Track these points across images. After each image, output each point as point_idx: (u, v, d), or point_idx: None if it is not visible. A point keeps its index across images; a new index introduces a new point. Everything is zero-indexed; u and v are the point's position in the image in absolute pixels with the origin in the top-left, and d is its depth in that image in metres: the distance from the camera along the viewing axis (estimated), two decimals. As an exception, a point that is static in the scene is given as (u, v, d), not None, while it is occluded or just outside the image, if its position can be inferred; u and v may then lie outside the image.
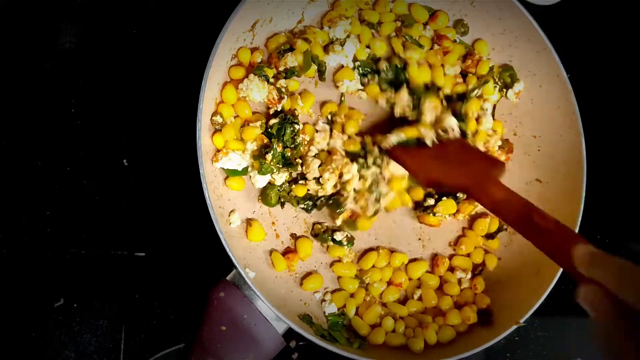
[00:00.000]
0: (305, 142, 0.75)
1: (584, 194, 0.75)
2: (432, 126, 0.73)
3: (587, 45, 0.91)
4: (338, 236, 0.75)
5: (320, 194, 0.74)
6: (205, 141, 0.70)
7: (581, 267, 0.48)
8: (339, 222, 0.75)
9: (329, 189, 0.73)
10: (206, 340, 0.66)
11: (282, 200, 0.75)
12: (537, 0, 0.87)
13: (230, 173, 0.72)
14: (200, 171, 0.65)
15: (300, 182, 0.74)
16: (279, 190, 0.74)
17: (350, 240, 0.75)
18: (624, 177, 0.91)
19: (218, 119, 0.71)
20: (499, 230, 0.80)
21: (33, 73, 0.79)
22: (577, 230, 0.74)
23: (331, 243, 0.75)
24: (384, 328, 0.74)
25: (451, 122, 0.74)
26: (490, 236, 0.81)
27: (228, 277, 0.68)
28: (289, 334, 0.69)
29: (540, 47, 0.77)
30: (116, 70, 0.80)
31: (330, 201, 0.75)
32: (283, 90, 0.74)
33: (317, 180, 0.73)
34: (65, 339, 0.74)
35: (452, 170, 0.69)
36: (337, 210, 0.74)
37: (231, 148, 0.71)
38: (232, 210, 0.72)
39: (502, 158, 0.81)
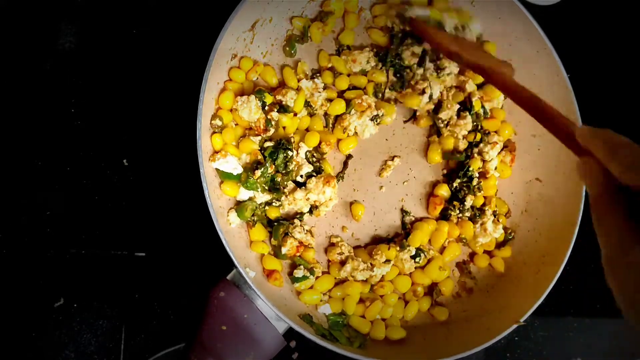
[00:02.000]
0: (296, 169, 0.75)
1: (583, 194, 0.75)
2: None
3: (587, 45, 0.91)
4: (298, 273, 0.72)
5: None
6: (205, 141, 0.70)
7: (580, 139, 0.50)
8: (284, 250, 0.73)
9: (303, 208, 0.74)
10: (206, 340, 0.66)
11: (254, 218, 0.73)
12: (537, 0, 0.87)
13: (225, 176, 0.71)
14: (201, 171, 0.65)
15: (275, 204, 0.74)
16: (256, 207, 0.73)
17: (311, 271, 0.73)
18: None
19: (217, 122, 0.71)
20: (507, 240, 0.81)
21: (33, 73, 0.79)
22: (576, 231, 0.74)
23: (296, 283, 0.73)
24: (381, 314, 0.74)
25: (474, 26, 0.75)
26: (501, 245, 0.81)
27: (228, 277, 0.68)
28: (290, 333, 0.69)
29: (540, 47, 0.78)
30: (116, 70, 0.80)
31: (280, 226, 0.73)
32: (272, 122, 0.73)
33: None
34: (65, 339, 0.74)
35: (469, 50, 0.70)
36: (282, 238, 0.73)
37: (229, 152, 0.71)
38: (232, 210, 0.72)
39: (508, 159, 0.81)
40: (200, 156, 0.65)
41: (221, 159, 0.70)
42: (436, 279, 0.78)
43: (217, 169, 0.71)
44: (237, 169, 0.71)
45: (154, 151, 0.79)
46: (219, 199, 0.71)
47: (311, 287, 0.73)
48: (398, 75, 0.78)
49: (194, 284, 0.75)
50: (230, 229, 0.71)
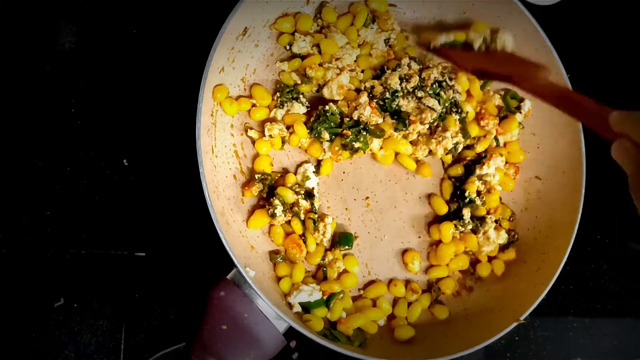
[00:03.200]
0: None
1: (583, 192, 0.75)
2: (480, 33, 0.74)
3: (587, 45, 0.91)
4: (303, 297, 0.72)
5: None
6: (205, 140, 0.70)
7: (614, 125, 0.53)
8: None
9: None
10: (207, 340, 0.66)
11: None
12: (537, 0, 0.87)
13: (310, 306, 0.71)
14: (200, 171, 0.65)
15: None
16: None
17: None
18: (624, 177, 0.91)
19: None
20: (510, 242, 0.80)
21: (33, 73, 0.79)
22: (576, 230, 0.74)
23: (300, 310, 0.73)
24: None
25: (505, 36, 0.74)
26: (505, 247, 0.81)
27: (228, 276, 0.68)
28: (290, 333, 0.68)
29: (539, 45, 0.78)
30: (116, 70, 0.80)
31: None
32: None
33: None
34: (65, 339, 0.74)
35: (497, 62, 0.71)
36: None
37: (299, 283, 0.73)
38: (232, 209, 0.72)
39: (512, 172, 0.82)
40: (200, 156, 0.66)
41: (294, 292, 0.70)
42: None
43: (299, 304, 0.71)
44: (315, 295, 0.71)
45: (154, 151, 0.79)
46: (219, 199, 0.71)
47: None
48: (395, 117, 0.77)
49: (194, 284, 0.74)
50: (230, 229, 0.71)
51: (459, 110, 0.77)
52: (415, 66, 0.79)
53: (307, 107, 0.78)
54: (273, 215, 0.72)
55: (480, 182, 0.79)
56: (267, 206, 0.73)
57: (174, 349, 0.74)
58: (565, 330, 0.85)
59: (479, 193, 0.79)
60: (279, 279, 0.73)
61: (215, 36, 0.67)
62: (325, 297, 0.72)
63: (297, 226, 0.74)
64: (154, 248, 0.77)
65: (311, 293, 0.70)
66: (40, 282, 0.75)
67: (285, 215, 0.73)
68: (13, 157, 0.77)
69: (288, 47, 0.79)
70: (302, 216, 0.74)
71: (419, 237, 0.80)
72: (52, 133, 0.78)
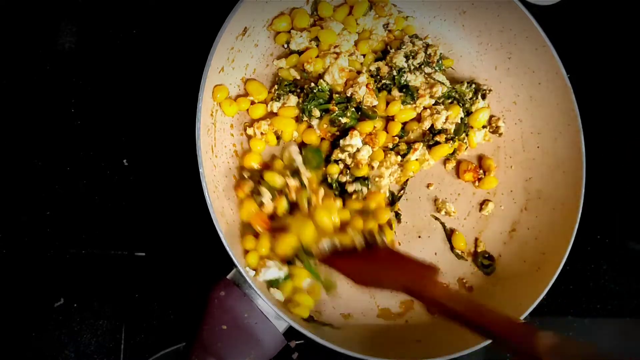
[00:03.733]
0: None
1: (583, 192, 0.75)
2: (359, 231, 0.72)
3: (587, 45, 0.92)
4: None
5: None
6: (204, 140, 0.70)
7: (545, 356, 0.48)
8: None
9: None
10: (207, 339, 0.66)
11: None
12: (537, 0, 0.87)
13: (273, 284, 0.70)
14: (200, 171, 0.65)
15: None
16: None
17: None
18: (624, 177, 0.91)
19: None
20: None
21: (33, 73, 0.79)
22: (576, 230, 0.74)
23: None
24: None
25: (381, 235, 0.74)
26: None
27: (228, 276, 0.68)
28: (290, 333, 0.68)
29: (539, 44, 0.78)
30: (116, 70, 0.80)
31: None
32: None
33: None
34: (65, 339, 0.74)
35: (388, 272, 0.68)
36: None
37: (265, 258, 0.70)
38: (232, 209, 0.72)
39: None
40: (200, 156, 0.65)
41: (263, 269, 0.69)
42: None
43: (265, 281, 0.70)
44: (282, 273, 0.70)
45: (154, 151, 0.79)
46: (219, 199, 0.71)
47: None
48: (404, 90, 0.77)
49: (194, 284, 0.74)
50: (230, 229, 0.71)
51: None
52: (419, 43, 0.79)
53: None
54: (261, 204, 0.71)
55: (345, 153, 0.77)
56: (254, 195, 0.71)
57: (174, 349, 0.74)
58: (565, 330, 0.85)
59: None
60: (245, 252, 0.71)
61: (215, 36, 0.67)
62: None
63: (281, 206, 0.72)
64: (154, 248, 0.77)
65: (280, 268, 0.70)
66: (40, 282, 0.75)
67: (274, 202, 0.71)
68: (13, 157, 0.77)
69: (286, 46, 0.79)
70: (294, 196, 0.72)
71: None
72: (52, 133, 0.78)
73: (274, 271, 0.69)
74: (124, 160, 0.79)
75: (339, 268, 0.69)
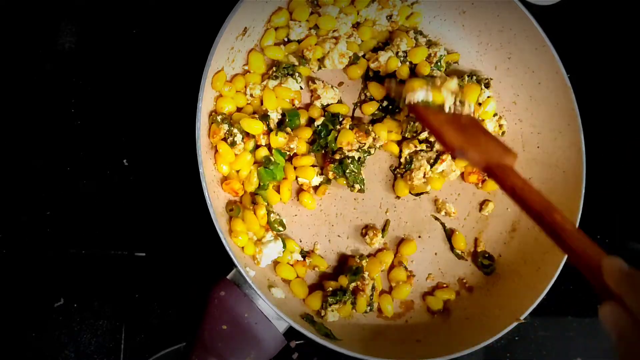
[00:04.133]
0: None
1: (583, 192, 0.75)
2: (453, 93, 0.73)
3: (587, 46, 0.91)
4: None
5: None
6: (204, 140, 0.70)
7: (611, 283, 0.44)
8: None
9: None
10: (207, 340, 0.66)
11: None
12: (537, 0, 0.87)
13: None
14: (200, 171, 0.65)
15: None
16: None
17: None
18: (624, 177, 0.91)
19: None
20: None
21: (33, 73, 0.79)
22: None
23: None
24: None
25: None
26: None
27: (228, 276, 0.68)
28: (290, 333, 0.68)
29: (539, 44, 0.78)
30: (116, 70, 0.80)
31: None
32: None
33: None
34: (65, 339, 0.74)
35: (474, 143, 0.67)
36: None
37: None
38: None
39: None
40: (200, 156, 0.65)
41: (258, 256, 0.70)
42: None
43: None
44: (278, 245, 0.72)
45: (154, 151, 0.79)
46: (219, 199, 0.71)
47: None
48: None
49: (194, 284, 0.74)
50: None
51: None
52: (422, 40, 0.80)
53: (301, 87, 0.78)
54: (233, 144, 0.71)
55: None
56: (227, 138, 0.71)
57: (174, 349, 0.74)
58: (565, 330, 0.85)
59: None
60: (231, 232, 0.71)
61: (215, 36, 0.67)
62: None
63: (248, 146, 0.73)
64: (154, 248, 0.77)
65: (275, 241, 0.70)
66: (40, 282, 0.75)
67: (244, 143, 0.72)
68: (13, 157, 0.77)
69: (287, 39, 0.78)
70: (262, 141, 0.73)
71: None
72: (52, 133, 0.78)
73: (272, 247, 0.70)
74: (124, 160, 0.79)
75: (429, 120, 0.69)
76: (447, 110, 0.72)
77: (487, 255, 0.81)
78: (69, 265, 0.75)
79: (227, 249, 0.64)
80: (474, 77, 0.81)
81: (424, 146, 0.79)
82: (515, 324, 0.71)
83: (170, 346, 0.74)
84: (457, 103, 0.73)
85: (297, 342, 0.77)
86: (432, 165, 0.77)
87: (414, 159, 0.78)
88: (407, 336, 0.75)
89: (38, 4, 0.80)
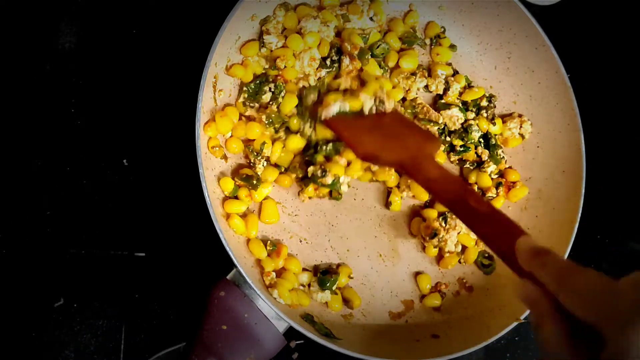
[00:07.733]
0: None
1: (583, 192, 0.75)
2: (372, 95, 0.71)
3: (587, 46, 0.92)
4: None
5: None
6: (204, 141, 0.70)
7: (523, 261, 0.46)
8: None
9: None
10: (207, 340, 0.66)
11: None
12: (537, 0, 0.87)
13: None
14: (200, 171, 0.65)
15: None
16: None
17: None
18: (624, 177, 0.91)
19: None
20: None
21: (33, 73, 0.79)
22: (576, 230, 0.74)
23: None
24: None
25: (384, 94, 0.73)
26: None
27: (228, 276, 0.68)
28: (290, 333, 0.68)
29: (538, 44, 0.78)
30: (116, 70, 0.80)
31: None
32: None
33: None
34: (65, 339, 0.74)
35: (388, 144, 0.67)
36: None
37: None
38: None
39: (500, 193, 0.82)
40: (200, 156, 0.65)
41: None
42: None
43: None
44: None
45: (154, 151, 0.79)
46: (219, 199, 0.71)
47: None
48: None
49: (194, 284, 0.74)
50: (230, 229, 0.71)
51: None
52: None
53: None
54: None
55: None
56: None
57: (174, 349, 0.74)
58: (565, 330, 0.85)
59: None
60: (228, 215, 0.71)
61: (215, 36, 0.67)
62: None
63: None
64: (154, 248, 0.77)
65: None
66: (40, 282, 0.75)
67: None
68: (13, 157, 0.77)
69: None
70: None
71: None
72: (52, 133, 0.78)
73: None
74: (124, 160, 0.79)
75: (342, 133, 0.68)
76: (367, 112, 0.70)
77: (487, 255, 0.81)
78: (69, 265, 0.75)
79: (227, 249, 0.64)
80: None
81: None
82: (515, 324, 0.71)
83: (170, 346, 0.74)
84: (378, 103, 0.72)
85: (297, 342, 0.77)
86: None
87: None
88: (407, 336, 0.75)
89: (38, 4, 0.80)
